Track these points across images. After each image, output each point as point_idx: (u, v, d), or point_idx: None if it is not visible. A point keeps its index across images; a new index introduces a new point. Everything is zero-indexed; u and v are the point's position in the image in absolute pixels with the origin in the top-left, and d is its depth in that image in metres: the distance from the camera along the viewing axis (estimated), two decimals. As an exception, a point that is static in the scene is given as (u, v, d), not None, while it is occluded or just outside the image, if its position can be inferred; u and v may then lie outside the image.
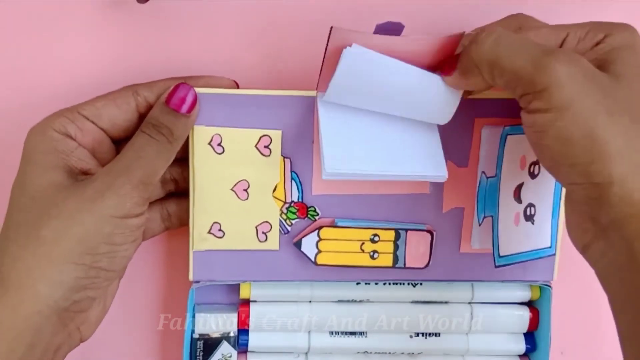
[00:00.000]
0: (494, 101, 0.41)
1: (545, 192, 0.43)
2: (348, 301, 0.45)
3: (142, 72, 0.44)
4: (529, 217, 0.43)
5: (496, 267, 0.42)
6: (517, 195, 0.42)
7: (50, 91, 0.44)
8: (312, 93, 0.40)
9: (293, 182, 0.42)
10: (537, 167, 0.42)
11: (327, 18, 0.44)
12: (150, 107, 0.39)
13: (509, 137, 0.40)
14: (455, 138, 0.42)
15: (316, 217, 0.43)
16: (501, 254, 0.42)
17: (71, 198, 0.36)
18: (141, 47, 0.44)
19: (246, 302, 0.45)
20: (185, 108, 0.38)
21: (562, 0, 0.46)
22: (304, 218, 0.43)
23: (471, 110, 0.41)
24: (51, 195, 0.36)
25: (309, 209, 0.43)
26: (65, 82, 0.44)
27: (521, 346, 0.46)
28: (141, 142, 0.38)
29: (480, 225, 0.42)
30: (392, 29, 0.38)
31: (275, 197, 0.42)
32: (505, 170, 0.41)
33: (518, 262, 0.43)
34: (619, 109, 0.32)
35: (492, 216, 0.42)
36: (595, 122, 0.31)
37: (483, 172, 0.41)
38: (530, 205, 0.43)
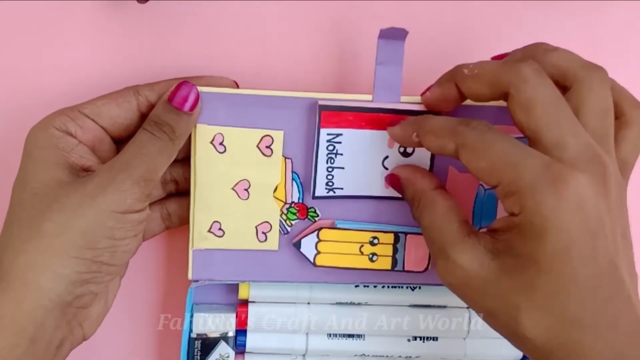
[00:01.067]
0: (499, 108, 0.41)
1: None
2: (347, 304, 0.45)
3: (142, 72, 0.44)
4: None
5: None
6: None
7: (50, 91, 0.44)
8: (315, 95, 0.40)
9: (294, 182, 0.42)
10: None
11: (328, 18, 0.45)
12: (151, 107, 0.39)
13: None
14: None
15: (316, 219, 0.43)
16: None
17: (73, 193, 0.36)
18: (141, 47, 0.44)
19: (245, 303, 0.45)
20: (187, 106, 0.38)
21: (563, 0, 0.46)
22: (304, 219, 0.43)
23: (476, 117, 0.41)
24: (53, 191, 0.36)
25: (309, 210, 0.43)
26: (65, 81, 0.44)
27: (519, 351, 0.46)
28: (143, 139, 0.38)
29: None
30: (395, 34, 0.38)
31: (276, 198, 0.42)
32: None
33: None
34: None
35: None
36: None
37: (481, 185, 0.41)
38: None
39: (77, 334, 0.38)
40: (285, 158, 0.42)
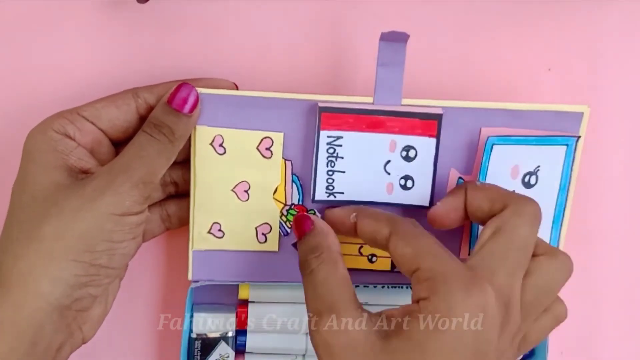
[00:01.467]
0: (501, 111, 0.41)
1: (543, 203, 0.42)
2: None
3: (141, 72, 0.44)
4: None
5: None
6: None
7: (49, 91, 0.44)
8: (315, 97, 0.40)
9: (294, 184, 0.42)
10: (532, 177, 0.42)
11: (328, 18, 0.45)
12: (150, 110, 0.39)
13: (495, 146, 0.40)
14: (460, 147, 0.42)
15: None
16: None
17: (72, 196, 0.36)
18: (141, 47, 0.44)
19: (245, 303, 0.45)
20: (187, 108, 0.38)
21: (563, 0, 0.46)
22: None
23: (477, 120, 0.41)
24: (52, 194, 0.36)
25: (309, 212, 0.43)
26: (65, 82, 0.44)
27: (518, 352, 0.46)
28: (142, 141, 0.38)
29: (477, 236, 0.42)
30: (397, 37, 0.38)
31: (276, 199, 0.42)
32: (491, 179, 0.41)
33: None
34: None
35: None
36: None
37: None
38: None
39: (76, 337, 0.38)
40: (285, 160, 0.41)
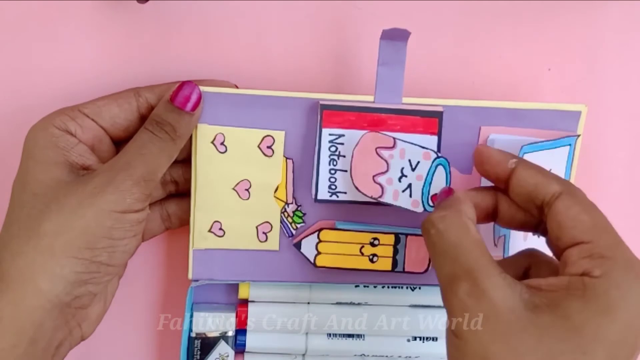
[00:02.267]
0: (500, 110, 0.41)
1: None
2: (347, 304, 0.45)
3: (142, 72, 0.44)
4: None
5: None
6: None
7: (49, 91, 0.44)
8: (316, 95, 0.40)
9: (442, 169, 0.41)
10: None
11: (328, 18, 0.45)
12: (151, 109, 0.39)
13: (525, 155, 0.40)
14: (460, 145, 0.42)
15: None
16: None
17: (72, 193, 0.36)
18: (141, 47, 0.44)
19: (245, 302, 0.45)
20: (189, 106, 0.38)
21: (563, 0, 0.46)
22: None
23: (477, 118, 0.41)
24: (52, 190, 0.36)
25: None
26: (64, 81, 0.44)
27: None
28: (144, 138, 0.38)
29: (495, 246, 0.42)
30: (398, 35, 0.38)
31: (277, 198, 0.42)
32: None
33: None
34: None
35: (504, 235, 0.42)
36: None
37: None
38: None
39: (75, 334, 0.38)
40: (287, 158, 0.41)
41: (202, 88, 0.39)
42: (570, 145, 0.42)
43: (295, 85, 0.45)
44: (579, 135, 0.42)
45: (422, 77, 0.45)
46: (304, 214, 0.43)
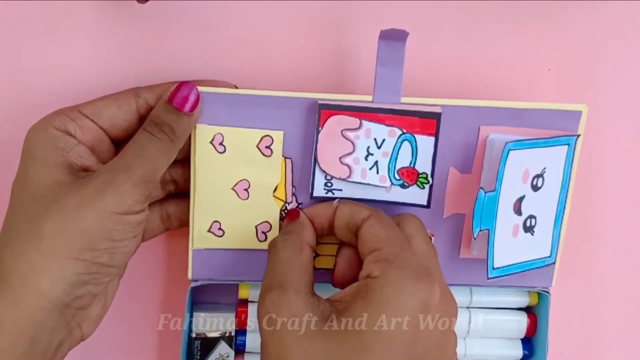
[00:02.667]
0: (500, 110, 0.41)
1: (548, 203, 0.43)
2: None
3: (142, 72, 0.44)
4: (529, 229, 0.42)
5: (488, 279, 0.42)
6: (517, 207, 0.42)
7: (49, 91, 0.44)
8: (314, 95, 0.40)
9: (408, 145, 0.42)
10: (540, 179, 0.42)
11: (328, 18, 0.45)
12: (150, 110, 0.39)
13: (511, 152, 0.40)
14: (460, 145, 0.42)
15: None
16: (495, 266, 0.42)
17: (72, 194, 0.36)
18: (141, 47, 0.44)
19: (244, 303, 0.45)
20: (187, 107, 0.38)
21: (563, 0, 0.46)
22: (413, 184, 0.42)
23: (477, 118, 0.41)
24: (52, 191, 0.36)
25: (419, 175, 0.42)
26: (64, 82, 0.44)
27: (518, 352, 0.46)
28: (143, 139, 0.38)
29: (475, 238, 0.42)
30: (396, 36, 0.38)
31: (276, 197, 0.42)
32: (505, 185, 0.41)
33: (514, 273, 0.43)
34: None
35: (488, 229, 0.41)
36: None
37: (481, 188, 0.40)
38: (531, 217, 0.42)
39: (75, 335, 0.38)
40: (286, 158, 0.41)
41: (200, 88, 0.39)
42: (569, 144, 0.42)
43: (294, 84, 0.45)
44: (578, 135, 0.42)
45: (421, 76, 0.45)
46: None
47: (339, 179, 0.41)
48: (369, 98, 0.40)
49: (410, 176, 0.42)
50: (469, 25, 0.46)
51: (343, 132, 0.40)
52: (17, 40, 0.44)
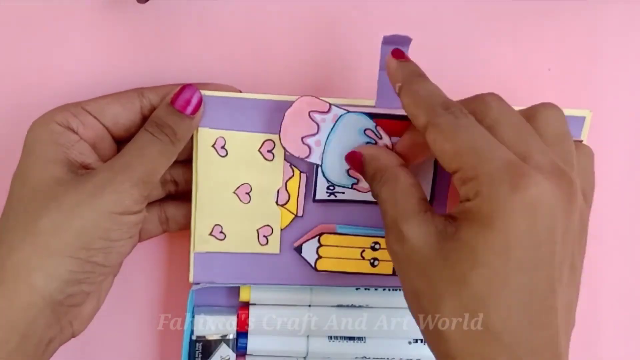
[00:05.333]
0: None
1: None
2: (347, 306, 0.45)
3: (141, 72, 0.44)
4: None
5: None
6: None
7: (49, 91, 0.44)
8: (316, 99, 0.40)
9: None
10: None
11: (329, 18, 0.45)
12: (154, 110, 0.39)
13: None
14: None
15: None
16: None
17: (71, 192, 0.36)
18: (141, 48, 0.44)
19: (246, 305, 0.45)
20: (189, 109, 0.38)
21: (563, 0, 0.46)
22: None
23: None
24: (51, 188, 0.36)
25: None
26: (64, 82, 0.44)
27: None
28: (144, 140, 0.38)
29: None
30: (399, 41, 0.38)
31: (287, 209, 0.42)
32: None
33: None
34: None
35: None
36: None
37: None
38: None
39: (66, 332, 0.38)
40: (301, 172, 0.42)
41: (203, 92, 0.39)
42: (571, 150, 0.42)
43: (295, 85, 0.45)
44: (581, 141, 0.42)
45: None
46: None
47: (298, 157, 0.40)
48: (372, 102, 0.40)
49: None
50: (469, 25, 0.46)
51: (311, 113, 0.40)
52: (17, 40, 0.43)
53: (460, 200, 0.33)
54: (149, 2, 0.43)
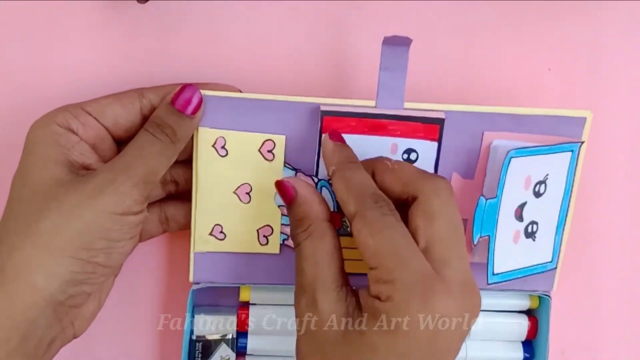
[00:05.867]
0: (504, 115, 0.41)
1: (550, 209, 0.43)
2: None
3: (142, 72, 0.44)
4: (530, 234, 0.42)
5: (488, 284, 0.42)
6: (519, 214, 0.42)
7: (49, 91, 0.44)
8: (317, 100, 0.40)
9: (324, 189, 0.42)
10: (542, 186, 0.42)
11: (330, 18, 0.45)
12: (154, 111, 0.39)
13: (513, 159, 0.40)
14: (463, 151, 0.42)
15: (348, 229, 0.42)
16: (496, 272, 0.42)
17: (72, 192, 0.36)
18: (141, 47, 0.44)
19: (245, 305, 0.45)
20: (190, 109, 0.38)
21: (563, 0, 0.46)
22: (339, 228, 0.42)
23: (480, 124, 0.41)
24: (52, 188, 0.36)
25: (343, 221, 0.42)
26: (65, 82, 0.44)
27: (519, 354, 0.46)
28: (144, 140, 0.38)
29: (475, 245, 0.42)
30: (399, 42, 0.38)
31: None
32: (507, 192, 0.41)
33: (514, 279, 0.43)
34: None
35: (488, 235, 0.41)
36: None
37: (482, 195, 0.40)
38: (533, 222, 0.42)
39: (68, 332, 0.38)
40: (287, 163, 0.41)
41: (203, 92, 0.39)
42: (572, 151, 0.41)
43: (296, 85, 0.45)
44: (582, 142, 0.42)
45: (420, 76, 0.45)
46: None
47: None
48: (372, 103, 0.40)
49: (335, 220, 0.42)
50: (469, 26, 0.46)
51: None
52: (17, 40, 0.43)
53: (370, 293, 0.35)
54: (149, 2, 0.42)
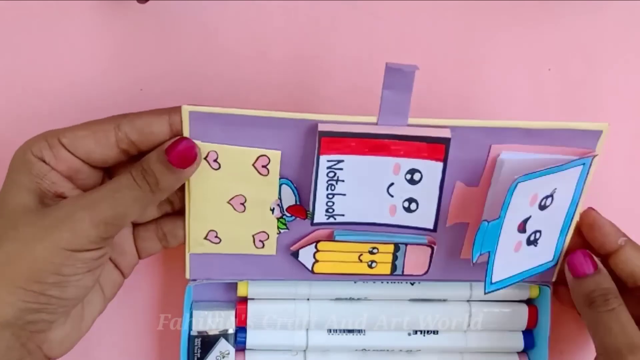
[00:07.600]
0: (512, 130, 0.38)
1: (555, 218, 0.41)
2: (346, 299, 0.45)
3: (141, 72, 0.43)
4: (533, 242, 0.41)
5: (486, 293, 0.41)
6: (522, 227, 0.40)
7: (49, 91, 0.43)
8: (314, 116, 0.37)
9: (287, 187, 0.40)
10: (549, 199, 0.40)
11: (330, 18, 0.43)
12: (130, 144, 0.37)
13: (519, 184, 0.38)
14: (469, 163, 0.39)
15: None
16: (494, 280, 0.41)
17: (31, 223, 0.36)
18: (141, 48, 0.43)
19: (244, 300, 0.45)
20: (181, 164, 0.36)
21: (563, 0, 0.44)
22: (304, 219, 0.41)
23: (488, 137, 0.39)
24: (17, 217, 0.36)
25: (307, 212, 0.41)
26: (64, 82, 0.43)
27: (519, 343, 0.46)
28: (122, 183, 0.36)
29: (474, 263, 0.40)
30: (401, 74, 0.35)
31: None
32: (511, 211, 0.39)
33: (514, 283, 0.43)
34: None
35: (488, 252, 0.40)
36: None
37: (485, 220, 0.39)
38: (536, 232, 0.41)
39: (37, 355, 0.38)
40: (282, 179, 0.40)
41: (195, 108, 0.37)
42: (584, 164, 0.39)
43: (295, 83, 0.44)
44: (595, 155, 0.39)
45: (421, 77, 0.41)
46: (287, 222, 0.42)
47: None
48: (373, 119, 0.37)
49: (299, 211, 0.41)
50: (469, 25, 0.45)
51: None
52: (17, 40, 0.43)
53: None
54: (149, 2, 0.41)
